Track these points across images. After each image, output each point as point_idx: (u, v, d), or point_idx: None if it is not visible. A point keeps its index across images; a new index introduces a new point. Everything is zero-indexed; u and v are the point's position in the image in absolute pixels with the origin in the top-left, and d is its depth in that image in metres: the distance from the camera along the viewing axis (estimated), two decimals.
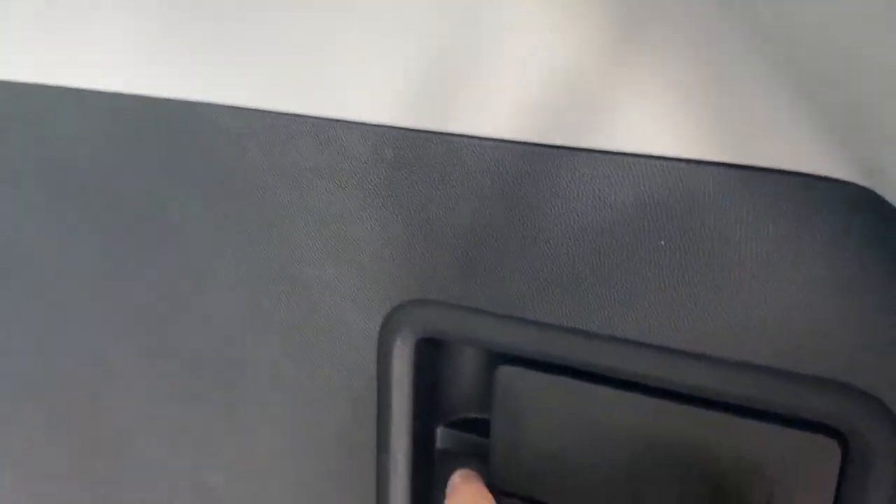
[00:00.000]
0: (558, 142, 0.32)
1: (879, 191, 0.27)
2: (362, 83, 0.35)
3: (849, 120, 0.26)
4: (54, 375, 0.49)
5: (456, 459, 0.43)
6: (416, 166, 0.35)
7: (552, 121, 0.32)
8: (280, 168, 0.38)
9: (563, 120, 0.32)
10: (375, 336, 0.39)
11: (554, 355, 0.35)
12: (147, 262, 0.43)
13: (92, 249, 0.45)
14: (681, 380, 0.33)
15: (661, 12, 0.28)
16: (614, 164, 0.31)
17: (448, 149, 0.34)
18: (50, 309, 0.47)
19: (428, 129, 0.34)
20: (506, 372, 0.37)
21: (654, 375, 0.33)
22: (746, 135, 0.29)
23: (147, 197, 0.42)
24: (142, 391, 0.46)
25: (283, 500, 0.44)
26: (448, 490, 0.37)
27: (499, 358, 0.38)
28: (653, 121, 0.30)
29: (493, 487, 0.39)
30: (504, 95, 0.32)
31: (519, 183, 0.33)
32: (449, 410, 0.42)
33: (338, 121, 0.36)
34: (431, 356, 0.40)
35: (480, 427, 0.41)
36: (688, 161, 0.30)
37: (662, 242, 0.31)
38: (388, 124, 0.35)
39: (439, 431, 0.42)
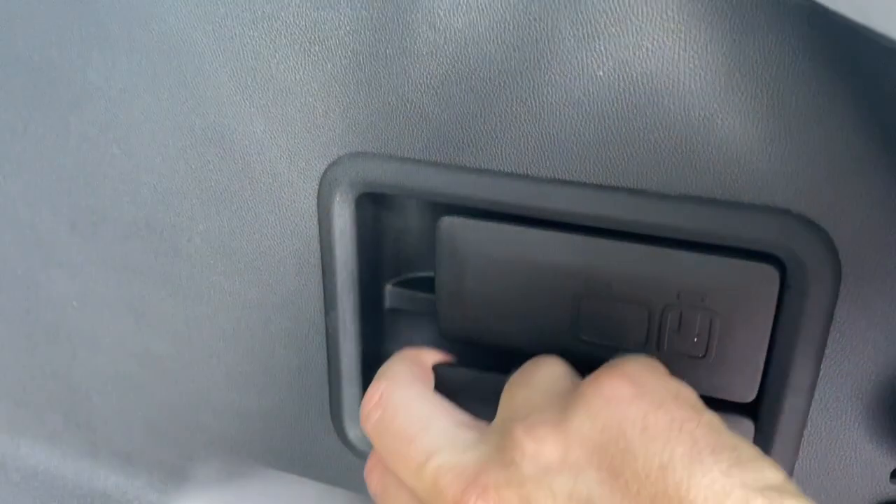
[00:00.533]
0: None
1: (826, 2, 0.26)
2: None
3: None
4: None
5: (405, 317, 0.43)
6: (342, 6, 0.33)
7: None
8: (199, 15, 0.36)
9: None
10: (314, 194, 0.38)
11: (492, 200, 0.34)
12: (65, 127, 0.41)
13: (5, 115, 0.42)
14: (619, 216, 0.33)
15: None
16: None
17: None
18: None
19: None
20: (446, 222, 0.36)
21: (592, 214, 0.33)
22: None
23: (57, 53, 0.39)
24: (77, 263, 0.44)
25: (232, 364, 0.44)
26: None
27: (443, 212, 0.37)
28: None
29: (442, 339, 0.39)
30: None
31: (453, 20, 0.32)
32: (397, 269, 0.42)
33: None
34: (374, 213, 0.39)
35: (428, 285, 0.40)
36: None
37: (601, 73, 0.30)
38: None
39: (388, 291, 0.42)
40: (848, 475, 0.34)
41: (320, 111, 0.36)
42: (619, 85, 0.30)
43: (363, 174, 0.36)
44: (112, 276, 0.44)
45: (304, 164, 0.37)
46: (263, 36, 0.35)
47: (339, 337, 0.40)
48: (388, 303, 0.42)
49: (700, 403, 0.28)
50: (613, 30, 0.30)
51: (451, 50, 0.32)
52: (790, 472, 0.34)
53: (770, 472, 0.25)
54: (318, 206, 0.38)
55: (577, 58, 0.31)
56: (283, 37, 0.35)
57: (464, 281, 0.37)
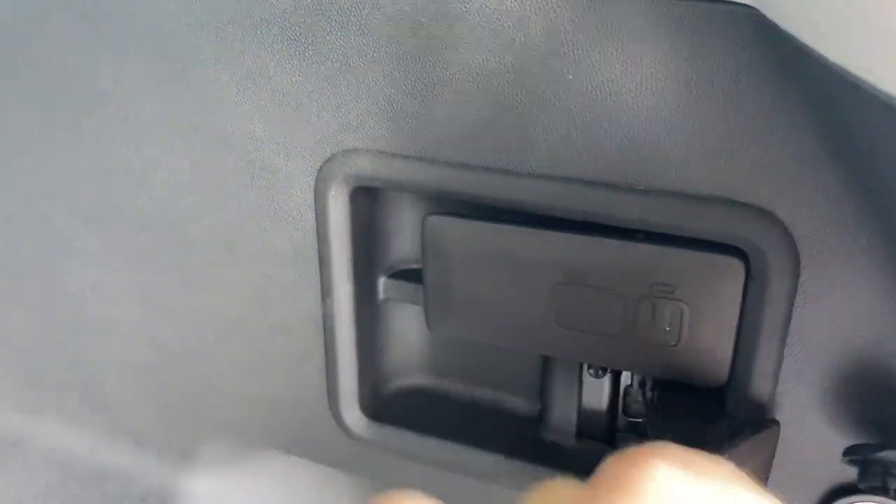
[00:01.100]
0: None
1: (763, 9, 0.28)
2: None
3: None
4: (7, 245, 0.50)
5: (398, 307, 0.45)
6: (333, 13, 0.35)
7: None
8: (202, 22, 0.38)
9: None
10: (311, 188, 0.40)
11: (474, 194, 0.36)
12: (78, 128, 0.44)
13: (24, 117, 0.45)
14: (593, 210, 0.35)
15: None
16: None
17: None
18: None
19: None
20: (432, 221, 0.38)
21: (569, 207, 0.35)
22: None
23: (71, 60, 0.42)
24: (91, 255, 0.47)
25: (235, 351, 0.46)
26: None
27: (434, 207, 0.40)
28: None
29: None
30: None
31: (434, 27, 0.34)
32: (391, 263, 0.44)
33: None
34: (369, 207, 0.42)
35: (420, 277, 0.43)
36: None
37: (570, 77, 0.32)
38: None
39: (381, 283, 0.44)
40: (806, 458, 0.36)
41: (314, 111, 0.38)
42: (587, 89, 0.32)
43: (356, 169, 0.39)
44: (124, 267, 0.46)
45: (300, 161, 0.39)
46: (261, 41, 0.37)
47: (336, 324, 0.43)
48: (381, 293, 0.44)
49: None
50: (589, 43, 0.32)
51: (432, 54, 0.34)
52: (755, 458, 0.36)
53: None
54: (315, 199, 0.40)
55: (548, 65, 0.33)
56: (279, 42, 0.37)
57: (449, 276, 0.39)
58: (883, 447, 0.33)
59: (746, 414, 0.36)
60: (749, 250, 0.33)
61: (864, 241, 0.31)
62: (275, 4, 0.36)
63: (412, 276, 0.44)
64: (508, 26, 0.33)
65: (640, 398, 0.43)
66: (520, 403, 0.45)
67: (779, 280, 0.33)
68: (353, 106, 0.37)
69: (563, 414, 0.43)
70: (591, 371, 0.42)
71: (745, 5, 0.29)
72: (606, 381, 0.42)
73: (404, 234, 0.44)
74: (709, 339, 0.36)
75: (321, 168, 0.39)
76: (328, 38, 0.36)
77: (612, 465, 0.23)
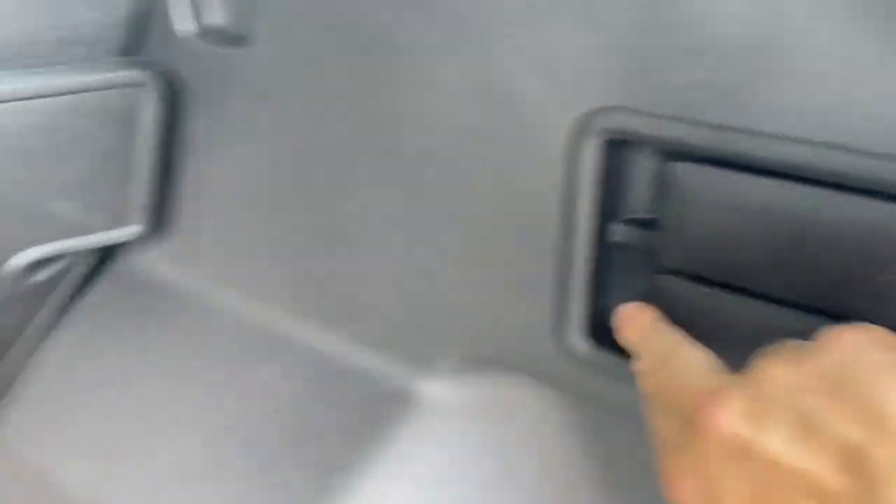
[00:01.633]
0: None
1: None
2: None
3: None
4: (304, 173, 0.60)
5: (627, 251, 0.51)
6: None
7: None
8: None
9: None
10: (563, 139, 0.47)
11: (725, 152, 0.41)
12: (375, 77, 0.53)
13: (342, 71, 0.56)
14: (844, 171, 0.37)
15: None
16: None
17: None
18: (307, 118, 0.59)
19: None
20: (677, 167, 0.43)
21: (818, 168, 0.38)
22: None
23: (374, 17, 0.51)
24: (365, 186, 0.57)
25: (474, 276, 0.54)
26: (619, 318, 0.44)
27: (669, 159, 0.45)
28: None
29: (660, 269, 0.46)
30: None
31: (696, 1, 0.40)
32: (623, 210, 0.50)
33: None
34: (613, 158, 0.47)
35: (647, 225, 0.48)
36: None
37: (828, 50, 0.37)
38: None
39: (614, 227, 0.50)
40: None
41: (580, 69, 0.44)
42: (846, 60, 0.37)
43: (612, 123, 0.45)
44: (397, 199, 0.55)
45: (559, 114, 0.46)
46: (547, 14, 0.44)
47: (573, 261, 0.49)
48: (614, 237, 0.50)
49: None
50: None
51: (692, 25, 0.40)
52: None
53: None
54: (568, 149, 0.47)
55: (806, 39, 0.37)
56: (564, 12, 0.44)
57: (687, 222, 0.43)
58: None
59: None
60: None
61: None
62: None
63: (641, 224, 0.49)
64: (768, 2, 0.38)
65: None
66: None
67: None
68: (615, 68, 0.43)
69: None
70: None
71: None
72: None
73: (638, 184, 0.49)
74: None
75: (579, 120, 0.46)
76: (608, 10, 0.42)
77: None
